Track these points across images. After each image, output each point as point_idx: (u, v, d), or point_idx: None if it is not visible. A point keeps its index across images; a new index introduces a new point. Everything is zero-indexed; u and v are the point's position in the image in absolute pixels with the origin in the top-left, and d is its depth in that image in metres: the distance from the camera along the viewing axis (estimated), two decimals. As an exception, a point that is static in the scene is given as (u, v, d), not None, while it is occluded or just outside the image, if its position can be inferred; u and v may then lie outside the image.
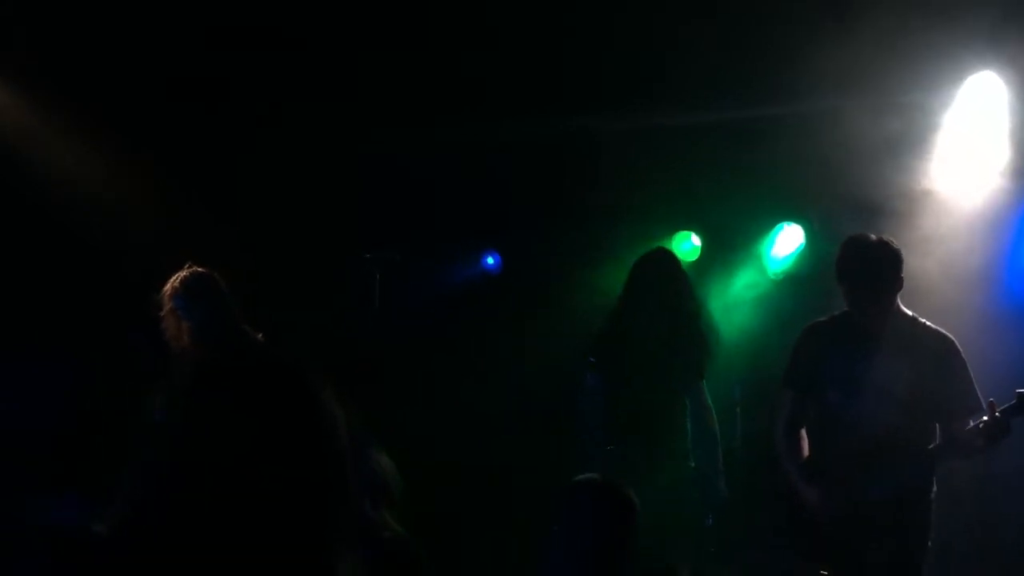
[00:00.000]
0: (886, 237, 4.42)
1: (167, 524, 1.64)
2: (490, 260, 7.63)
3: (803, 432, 4.60)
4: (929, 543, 4.45)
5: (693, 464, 5.29)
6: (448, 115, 6.46)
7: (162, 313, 4.82)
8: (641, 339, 5.31)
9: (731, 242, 7.04)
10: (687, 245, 7.19)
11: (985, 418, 4.17)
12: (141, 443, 2.94)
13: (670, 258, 5.52)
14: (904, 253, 4.44)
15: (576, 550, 3.31)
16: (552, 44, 6.01)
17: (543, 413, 6.66)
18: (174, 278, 4.78)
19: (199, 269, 4.77)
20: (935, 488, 4.47)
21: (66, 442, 2.28)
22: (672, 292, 5.37)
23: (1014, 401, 4.17)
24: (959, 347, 4.42)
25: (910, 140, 5.93)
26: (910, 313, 4.47)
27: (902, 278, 4.40)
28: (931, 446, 4.38)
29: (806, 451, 4.56)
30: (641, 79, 6.11)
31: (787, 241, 6.87)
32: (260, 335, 4.83)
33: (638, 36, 5.88)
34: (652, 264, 5.41)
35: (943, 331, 4.45)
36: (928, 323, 4.46)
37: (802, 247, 6.81)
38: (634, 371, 5.29)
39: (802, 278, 6.67)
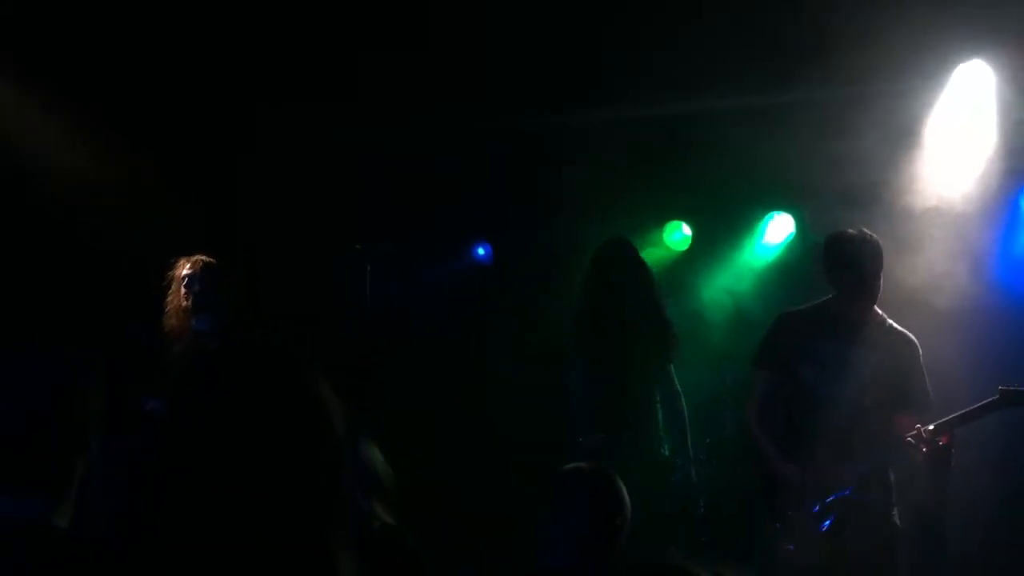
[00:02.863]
0: (866, 231, 4.67)
1: (164, 520, 1.63)
2: (481, 251, 7.62)
3: (774, 412, 4.80)
4: (896, 519, 4.65)
5: (666, 451, 5.36)
6: (442, 110, 6.45)
7: (168, 285, 4.98)
8: (614, 329, 5.40)
9: (721, 232, 7.05)
10: (678, 235, 7.20)
11: (931, 427, 4.40)
12: (125, 436, 2.94)
13: (629, 247, 5.59)
14: (890, 243, 4.73)
15: (566, 538, 3.34)
16: (542, 36, 6.00)
17: (539, 407, 6.66)
18: (190, 257, 4.98)
19: (215, 259, 5.02)
20: (893, 473, 4.68)
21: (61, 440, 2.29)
22: (636, 281, 5.47)
23: (996, 396, 4.31)
24: (920, 350, 4.72)
25: (899, 129, 5.92)
26: (880, 312, 4.74)
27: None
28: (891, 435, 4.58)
29: (777, 429, 4.77)
30: (632, 69, 6.11)
31: (777, 230, 6.89)
32: (256, 328, 4.92)
33: (629, 27, 5.87)
34: (613, 255, 5.50)
35: (908, 333, 4.74)
36: (895, 324, 4.75)
37: (792, 236, 6.83)
38: (611, 362, 5.37)
39: (792, 267, 6.69)
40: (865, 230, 4.66)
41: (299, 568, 1.62)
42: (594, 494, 3.41)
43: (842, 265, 4.64)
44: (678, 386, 5.46)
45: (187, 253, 5.14)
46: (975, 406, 4.40)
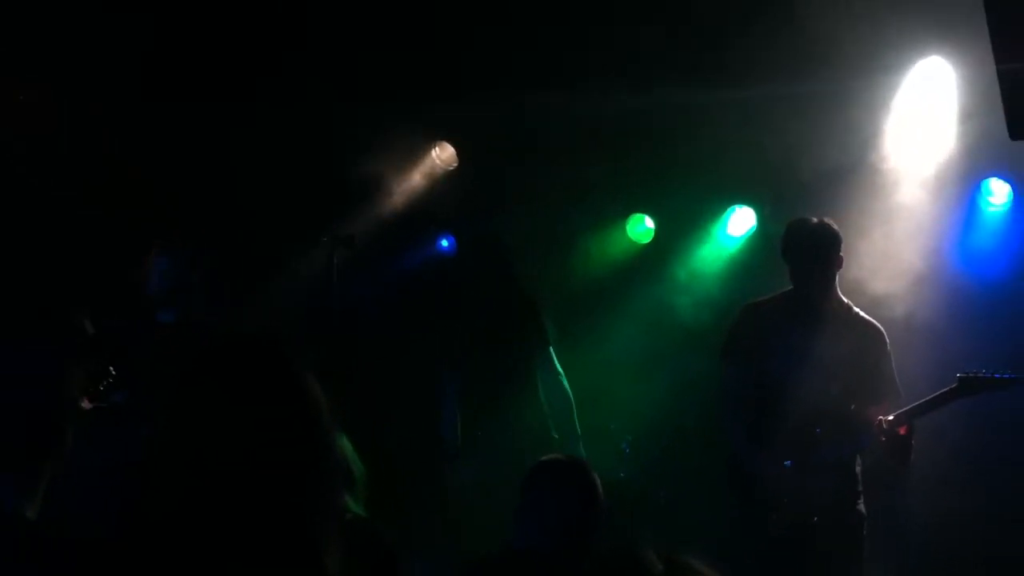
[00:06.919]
0: (826, 219, 4.75)
1: (154, 514, 1.62)
2: (444, 243, 7.63)
3: (744, 404, 4.82)
4: (862, 508, 4.71)
5: (556, 434, 5.42)
6: (402, 97, 6.43)
7: (139, 268, 4.97)
8: (473, 319, 5.59)
9: (684, 224, 7.09)
10: (641, 227, 7.23)
11: (891, 417, 4.47)
12: (102, 428, 2.92)
13: (490, 240, 5.78)
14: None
15: (541, 527, 3.40)
16: (502, 24, 6.01)
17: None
18: (163, 243, 4.98)
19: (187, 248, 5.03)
20: (860, 462, 4.73)
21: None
22: (494, 272, 5.66)
23: (954, 384, 4.35)
24: (887, 339, 4.75)
25: (859, 124, 5.99)
26: (846, 301, 4.80)
27: (841, 257, 4.74)
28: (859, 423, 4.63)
29: (748, 419, 4.79)
30: (593, 61, 6.13)
31: (739, 223, 6.94)
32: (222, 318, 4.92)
33: (590, 18, 5.89)
34: (473, 250, 5.74)
35: (875, 322, 4.79)
36: (861, 312, 4.80)
37: (754, 229, 6.89)
38: (474, 351, 5.54)
39: (754, 259, 6.75)
40: (825, 218, 4.75)
41: (289, 561, 1.62)
42: (561, 485, 3.47)
43: (796, 247, 4.71)
44: (558, 367, 5.60)
45: (154, 242, 5.10)
46: (934, 395, 4.44)
